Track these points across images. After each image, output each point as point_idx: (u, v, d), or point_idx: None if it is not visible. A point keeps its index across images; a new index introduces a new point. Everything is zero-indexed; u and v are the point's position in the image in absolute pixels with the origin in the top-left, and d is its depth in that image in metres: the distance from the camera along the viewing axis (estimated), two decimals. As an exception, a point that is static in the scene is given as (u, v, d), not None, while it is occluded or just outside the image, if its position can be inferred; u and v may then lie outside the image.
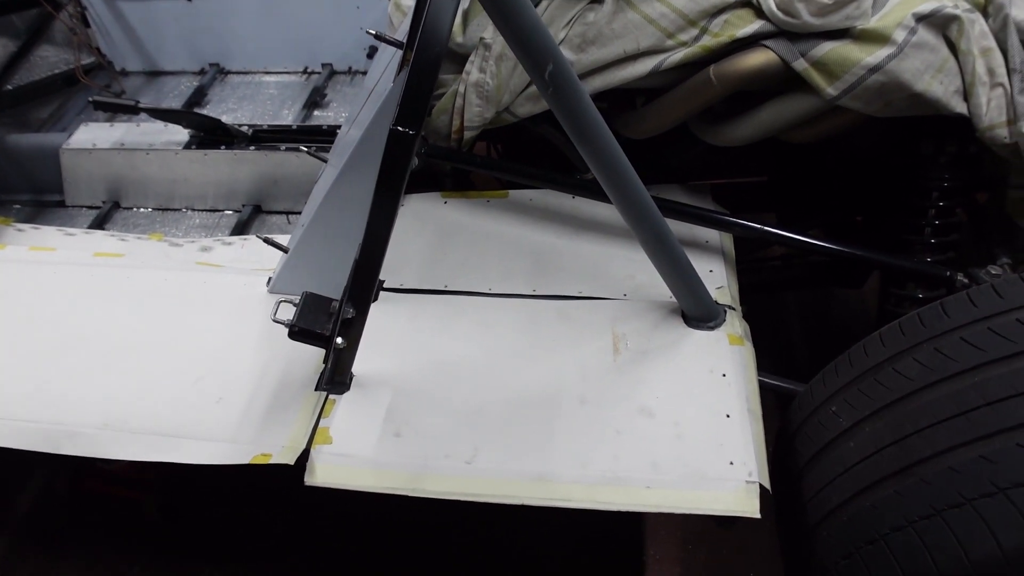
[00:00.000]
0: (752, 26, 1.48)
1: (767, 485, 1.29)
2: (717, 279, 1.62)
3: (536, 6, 1.53)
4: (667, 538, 2.11)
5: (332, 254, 1.47)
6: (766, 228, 1.64)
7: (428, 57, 1.05)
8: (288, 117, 2.53)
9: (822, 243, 1.65)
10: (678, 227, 1.70)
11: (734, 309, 1.56)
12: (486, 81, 1.61)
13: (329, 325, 1.31)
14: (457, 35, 1.64)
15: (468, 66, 1.63)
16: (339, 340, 1.33)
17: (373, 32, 1.52)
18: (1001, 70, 1.46)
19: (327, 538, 2.17)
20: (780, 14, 1.45)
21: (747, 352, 1.48)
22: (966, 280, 1.59)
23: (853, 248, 1.63)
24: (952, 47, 1.45)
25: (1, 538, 2.19)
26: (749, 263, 2.13)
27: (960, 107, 1.47)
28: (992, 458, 1.13)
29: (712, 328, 1.51)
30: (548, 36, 1.18)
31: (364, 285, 1.27)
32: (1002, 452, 1.12)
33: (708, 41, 1.50)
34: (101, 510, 2.24)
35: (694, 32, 1.51)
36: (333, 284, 1.38)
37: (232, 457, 1.38)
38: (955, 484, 1.14)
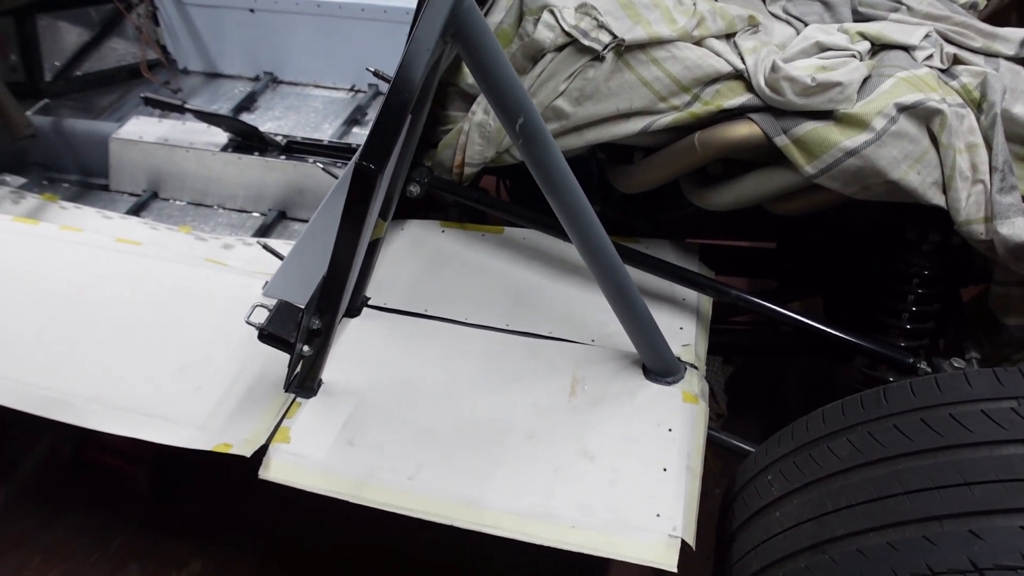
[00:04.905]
0: (740, 98, 1.54)
1: (691, 541, 1.32)
2: (685, 337, 1.66)
3: (541, 58, 1.62)
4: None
5: (320, 266, 1.56)
6: (739, 294, 1.67)
7: (399, 101, 1.13)
8: (328, 131, 2.64)
9: (793, 315, 1.67)
10: (659, 282, 1.75)
11: (696, 368, 1.60)
12: (488, 123, 1.69)
13: (296, 333, 1.39)
14: (468, 76, 1.73)
15: (474, 106, 1.72)
16: (305, 348, 1.42)
17: (372, 70, 1.61)
18: (984, 167, 1.48)
19: (309, 531, 2.24)
20: (767, 90, 1.50)
21: (699, 411, 1.52)
22: (928, 369, 1.59)
23: (821, 324, 1.65)
24: (934, 139, 1.47)
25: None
26: (740, 325, 2.16)
27: (937, 199, 1.49)
28: (897, 546, 1.15)
29: (669, 383, 1.55)
30: (522, 90, 1.26)
31: (330, 300, 1.36)
32: (908, 542, 1.14)
33: (697, 108, 1.56)
34: (99, 479, 2.36)
35: (686, 98, 1.57)
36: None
37: (197, 442, 1.47)
38: (859, 566, 1.17)
